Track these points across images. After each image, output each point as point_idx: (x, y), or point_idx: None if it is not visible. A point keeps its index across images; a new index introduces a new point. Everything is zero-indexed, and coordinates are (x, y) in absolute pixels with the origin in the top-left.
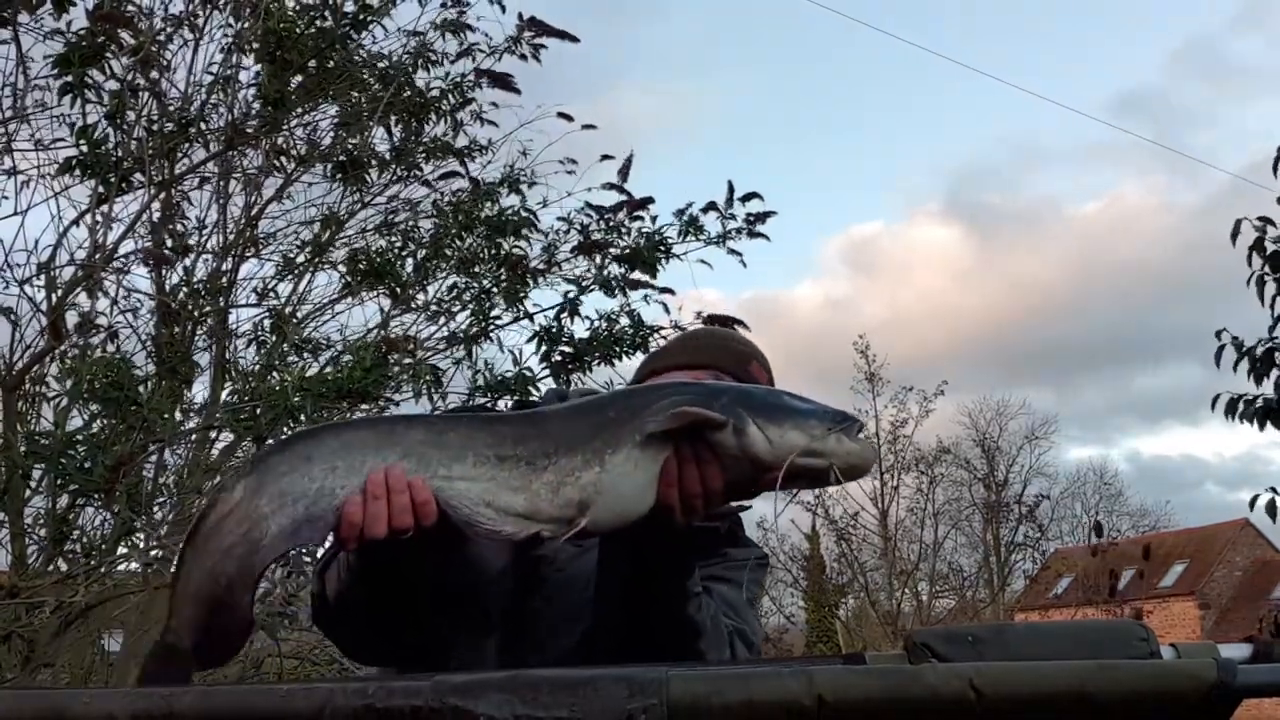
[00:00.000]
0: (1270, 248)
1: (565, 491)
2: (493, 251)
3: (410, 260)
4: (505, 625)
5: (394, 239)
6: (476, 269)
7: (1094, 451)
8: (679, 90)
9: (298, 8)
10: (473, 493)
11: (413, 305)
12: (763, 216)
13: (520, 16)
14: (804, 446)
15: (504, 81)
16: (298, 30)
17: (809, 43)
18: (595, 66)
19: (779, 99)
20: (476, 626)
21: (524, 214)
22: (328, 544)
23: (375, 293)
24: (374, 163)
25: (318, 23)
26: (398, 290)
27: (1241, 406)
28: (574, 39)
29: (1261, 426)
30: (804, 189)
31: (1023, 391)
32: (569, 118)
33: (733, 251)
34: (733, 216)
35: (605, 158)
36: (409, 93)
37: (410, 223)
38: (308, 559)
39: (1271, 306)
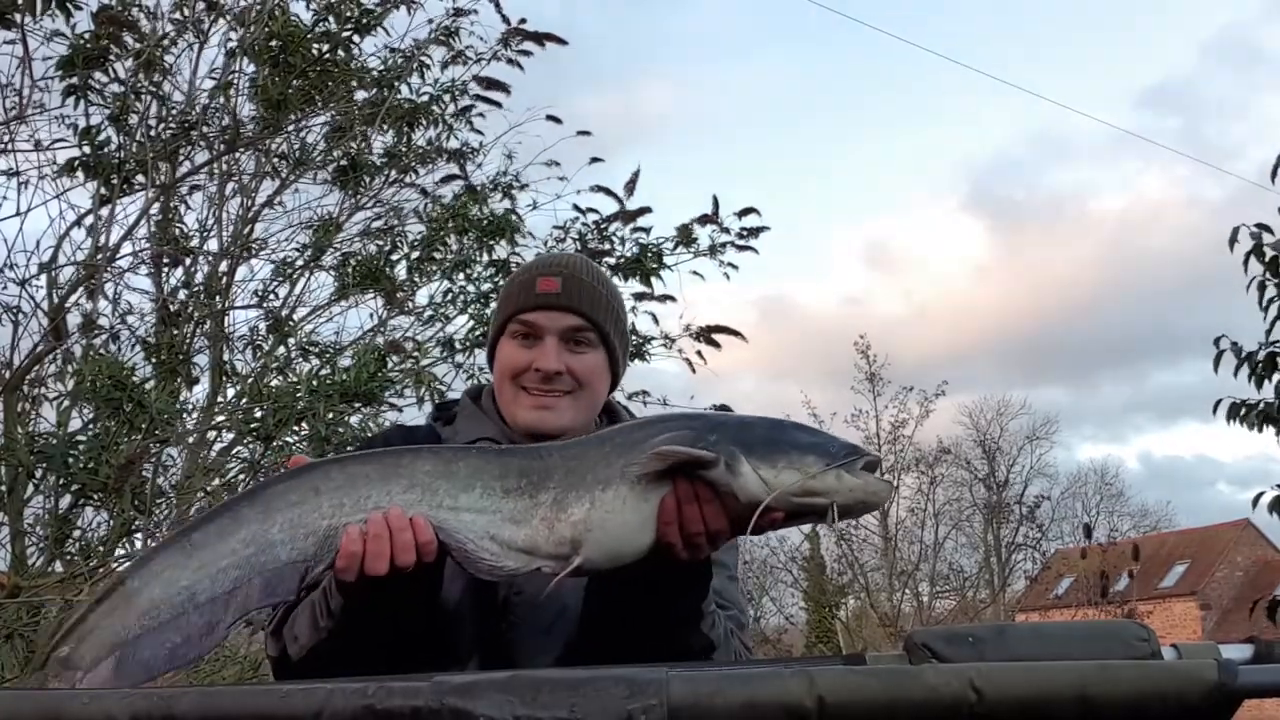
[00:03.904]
0: (1269, 253)
1: (559, 528)
2: (487, 256)
3: (404, 263)
4: (480, 654)
5: (383, 243)
6: (470, 272)
7: (1109, 450)
8: (703, 79)
9: (301, 23)
10: (478, 525)
11: (407, 309)
12: (755, 231)
13: (507, 21)
14: (800, 487)
15: (489, 94)
16: (302, 34)
17: (828, 41)
18: (624, 53)
19: (800, 92)
20: (451, 660)
21: (513, 218)
22: (279, 603)
23: (369, 295)
24: (368, 167)
25: (320, 25)
26: (392, 294)
27: (1244, 411)
28: (561, 41)
29: (1262, 430)
30: (823, 183)
31: (1039, 389)
32: (558, 120)
33: (725, 263)
34: (726, 230)
35: (594, 160)
36: (400, 98)
37: (398, 227)
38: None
39: (1266, 311)
